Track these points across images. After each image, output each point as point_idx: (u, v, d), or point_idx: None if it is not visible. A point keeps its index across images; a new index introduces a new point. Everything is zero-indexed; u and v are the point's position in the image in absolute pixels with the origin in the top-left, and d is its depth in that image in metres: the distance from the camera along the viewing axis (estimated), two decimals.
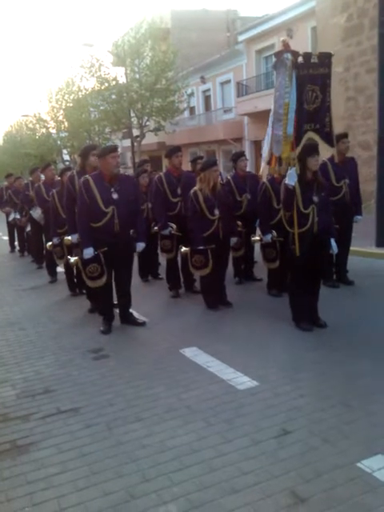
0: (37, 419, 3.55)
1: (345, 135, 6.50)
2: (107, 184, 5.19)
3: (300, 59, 4.82)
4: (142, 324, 5.53)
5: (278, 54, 4.79)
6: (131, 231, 5.44)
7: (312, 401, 3.55)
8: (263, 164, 5.20)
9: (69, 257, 5.97)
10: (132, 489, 2.70)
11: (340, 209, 6.18)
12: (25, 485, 2.80)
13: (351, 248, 7.01)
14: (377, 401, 3.49)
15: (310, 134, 4.91)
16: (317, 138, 4.95)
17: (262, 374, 4.03)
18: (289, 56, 4.68)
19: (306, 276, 5.05)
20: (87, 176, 5.25)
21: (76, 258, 5.57)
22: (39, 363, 4.63)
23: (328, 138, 5.06)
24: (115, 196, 5.18)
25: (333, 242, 5.09)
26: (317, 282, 5.21)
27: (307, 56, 4.90)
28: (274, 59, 4.99)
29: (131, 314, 5.67)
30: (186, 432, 3.23)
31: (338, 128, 5.15)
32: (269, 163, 5.13)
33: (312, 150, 4.84)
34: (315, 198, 4.92)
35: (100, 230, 5.19)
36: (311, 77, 4.84)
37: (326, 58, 4.96)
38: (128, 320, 5.61)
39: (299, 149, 4.80)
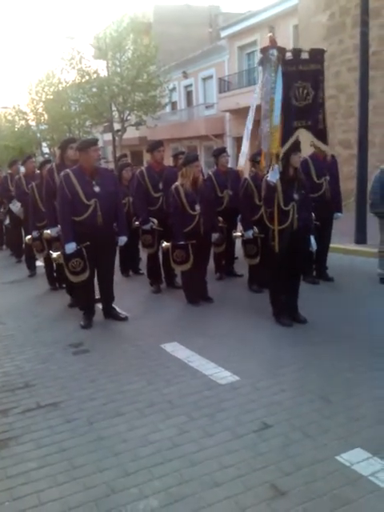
0: (16, 414, 3.52)
1: None
2: (88, 177, 5.15)
3: (288, 55, 4.81)
4: (125, 319, 5.51)
5: (264, 50, 4.75)
6: (114, 225, 5.40)
7: (292, 395, 3.58)
8: (242, 159, 5.18)
9: (51, 252, 5.90)
10: (113, 483, 2.69)
11: (320, 206, 6.23)
12: (4, 479, 2.77)
13: (331, 245, 7.08)
14: (356, 395, 3.54)
15: (301, 132, 4.90)
16: (307, 134, 4.94)
17: (243, 369, 4.05)
18: (274, 52, 4.64)
19: (285, 272, 5.09)
20: (67, 170, 5.19)
21: (58, 253, 5.50)
22: (19, 358, 4.58)
23: (322, 135, 5.06)
24: (97, 189, 5.14)
25: (312, 239, 5.14)
26: (296, 279, 5.26)
27: (297, 52, 4.89)
28: (259, 55, 4.95)
29: (114, 308, 5.64)
30: (168, 426, 3.24)
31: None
32: (258, 162, 5.12)
33: (295, 147, 4.87)
34: (296, 196, 4.95)
35: (83, 223, 5.15)
36: (301, 73, 4.81)
37: (318, 54, 4.95)
38: (111, 315, 5.58)
39: (287, 146, 4.79)
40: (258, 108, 4.99)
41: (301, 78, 4.83)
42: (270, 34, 4.96)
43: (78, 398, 3.70)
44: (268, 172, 4.85)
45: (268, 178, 4.87)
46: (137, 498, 2.56)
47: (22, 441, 3.16)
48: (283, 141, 4.78)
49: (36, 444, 3.11)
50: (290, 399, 3.52)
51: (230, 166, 7.37)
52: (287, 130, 4.80)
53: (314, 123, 4.96)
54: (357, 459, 2.78)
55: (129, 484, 2.68)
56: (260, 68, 4.92)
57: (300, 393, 3.61)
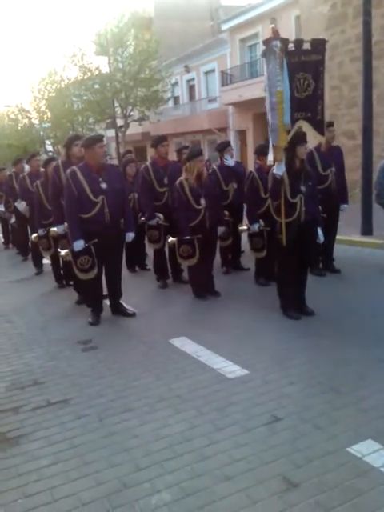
0: (27, 411, 3.53)
1: (331, 124, 6.51)
2: (95, 174, 5.14)
3: (290, 46, 4.76)
4: (132, 315, 5.52)
5: (267, 42, 4.70)
6: (121, 221, 5.40)
7: (302, 388, 3.58)
8: (270, 154, 5.08)
9: (59, 250, 5.90)
10: (125, 478, 2.70)
11: (326, 197, 6.21)
12: (16, 477, 2.78)
13: (337, 236, 7.05)
14: (365, 386, 3.53)
15: (301, 123, 4.87)
16: (308, 126, 4.91)
17: (252, 363, 4.05)
18: (278, 43, 4.59)
19: (293, 265, 5.08)
20: (74, 167, 5.19)
21: (66, 250, 5.50)
22: (28, 355, 4.60)
23: (319, 126, 5.02)
24: (104, 186, 5.13)
25: (319, 230, 5.11)
26: (304, 271, 5.24)
27: (298, 43, 4.85)
28: (262, 47, 4.90)
29: (121, 304, 5.65)
30: (177, 421, 3.24)
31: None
32: (266, 154, 5.05)
33: (300, 138, 4.84)
34: (303, 188, 4.93)
35: (90, 220, 5.14)
36: (303, 64, 4.77)
37: (319, 45, 4.90)
38: (119, 311, 5.59)
39: (289, 137, 4.76)
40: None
41: (302, 70, 4.79)
42: (273, 26, 4.91)
43: (87, 395, 3.71)
44: (274, 165, 4.82)
45: (274, 171, 4.84)
46: (149, 493, 2.57)
47: (33, 438, 3.17)
48: (287, 134, 4.75)
49: (47, 441, 3.12)
50: (300, 392, 3.52)
51: (234, 159, 7.34)
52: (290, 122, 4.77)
53: (313, 114, 4.93)
54: (368, 451, 2.77)
55: (141, 479, 2.68)
56: (264, 59, 4.87)
57: (309, 385, 3.61)
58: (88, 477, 2.74)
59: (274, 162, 4.80)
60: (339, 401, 3.36)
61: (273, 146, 4.77)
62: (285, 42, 4.68)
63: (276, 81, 4.60)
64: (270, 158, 4.89)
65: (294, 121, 4.81)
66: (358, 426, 3.03)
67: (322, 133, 5.09)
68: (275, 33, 4.67)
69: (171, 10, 28.44)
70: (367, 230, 8.79)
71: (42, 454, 2.99)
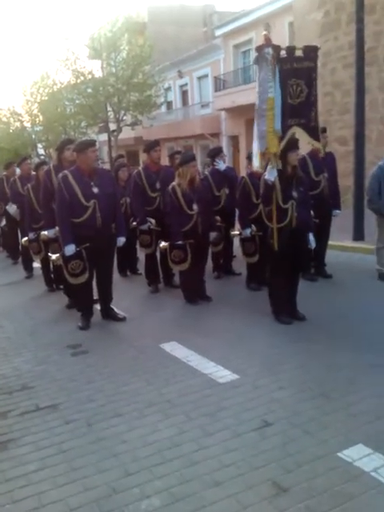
0: (15, 416, 3.50)
1: (324, 130, 6.53)
2: (87, 178, 5.12)
3: (283, 53, 4.79)
4: (123, 319, 5.50)
5: (259, 49, 4.73)
6: (112, 226, 5.38)
7: (292, 393, 3.57)
8: (255, 159, 5.12)
9: (50, 254, 5.86)
10: (113, 483, 2.67)
11: (319, 203, 6.23)
12: (4, 482, 2.75)
13: (329, 241, 7.07)
14: (355, 392, 3.53)
15: (295, 129, 4.89)
16: (301, 132, 4.93)
17: (242, 368, 4.04)
18: (270, 50, 4.62)
19: (284, 270, 5.08)
20: (66, 171, 5.16)
21: (57, 255, 5.46)
22: (17, 360, 4.56)
23: (314, 133, 5.04)
24: (96, 190, 5.11)
25: (310, 236, 5.13)
26: (296, 276, 5.25)
27: (290, 50, 4.87)
28: (254, 54, 4.93)
29: (112, 308, 5.62)
30: (167, 426, 3.22)
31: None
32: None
33: (292, 144, 4.85)
34: (294, 193, 4.94)
35: (82, 225, 5.11)
36: (295, 71, 4.79)
37: (311, 52, 4.93)
38: (109, 315, 5.56)
39: (283, 144, 4.78)
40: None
41: (295, 76, 4.81)
42: (265, 33, 4.94)
43: (76, 400, 3.68)
44: (266, 170, 4.84)
45: (266, 177, 4.86)
46: (138, 498, 2.55)
47: (21, 443, 3.14)
48: (280, 139, 4.77)
49: (35, 446, 3.09)
50: (290, 397, 3.51)
51: (227, 164, 7.36)
52: (282, 129, 4.79)
53: (306, 121, 4.95)
54: (358, 455, 2.77)
55: (130, 484, 2.66)
56: (256, 66, 4.90)
57: (300, 390, 3.60)
58: (76, 482, 2.71)
59: (260, 168, 4.84)
60: (329, 406, 3.35)
61: (260, 152, 4.80)
62: (277, 48, 4.70)
63: (267, 87, 4.63)
64: (256, 164, 4.92)
65: (287, 127, 4.83)
66: (348, 431, 3.02)
67: (317, 139, 5.11)
68: (267, 40, 4.70)
69: (165, 15, 28.54)
70: (359, 235, 8.83)
71: (30, 459, 2.95)
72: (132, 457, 2.91)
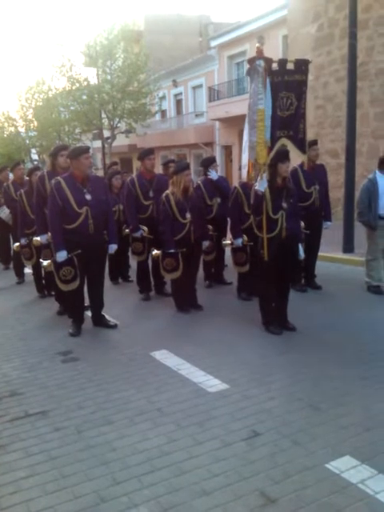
0: (4, 422, 3.49)
1: (315, 142, 6.63)
2: (80, 185, 5.14)
3: (274, 66, 4.87)
4: (114, 326, 5.50)
5: (251, 61, 4.81)
6: (104, 233, 5.40)
7: (281, 403, 3.59)
8: (244, 170, 5.21)
9: (41, 260, 5.86)
10: (102, 492, 2.68)
11: (310, 214, 6.30)
12: None
13: (319, 253, 7.13)
14: (345, 403, 3.56)
15: (283, 141, 4.96)
16: (290, 144, 5.00)
17: (232, 377, 4.06)
18: (261, 63, 4.71)
19: (274, 280, 5.12)
20: (59, 178, 5.18)
21: (49, 261, 5.47)
22: (6, 366, 4.54)
23: (301, 145, 5.12)
24: (88, 197, 5.13)
25: (300, 247, 5.17)
26: (286, 286, 5.28)
27: (282, 62, 4.95)
28: (246, 66, 5.01)
29: (103, 316, 5.63)
30: (157, 435, 3.23)
31: (307, 135, 5.24)
32: (248, 171, 5.17)
33: (283, 156, 4.91)
34: (284, 204, 5.00)
35: (74, 231, 5.13)
36: (286, 83, 4.88)
37: (302, 65, 5.01)
38: (100, 322, 5.56)
39: (271, 155, 4.86)
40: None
41: (286, 89, 4.89)
42: (258, 45, 5.01)
43: (66, 407, 3.68)
44: (256, 181, 4.90)
45: (256, 188, 4.91)
46: (127, 507, 2.55)
47: (10, 449, 3.13)
48: (269, 150, 4.84)
49: (25, 453, 3.08)
50: (280, 407, 3.53)
51: (219, 173, 7.40)
52: (271, 140, 4.86)
53: (294, 133, 5.03)
54: (346, 467, 2.79)
55: (118, 493, 2.66)
56: (248, 78, 4.98)
57: (289, 401, 3.63)
58: (65, 490, 2.71)
59: (250, 179, 4.93)
60: (319, 417, 3.38)
61: (251, 162, 4.87)
62: (268, 61, 4.79)
63: (258, 99, 4.71)
64: (244, 174, 5.00)
65: (276, 139, 4.91)
66: (336, 443, 3.05)
67: (303, 151, 5.18)
68: (259, 52, 4.78)
69: (161, 24, 28.74)
70: (349, 247, 8.91)
71: (19, 465, 2.95)
72: (121, 465, 2.91)
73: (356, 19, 8.76)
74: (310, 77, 5.13)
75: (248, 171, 5.09)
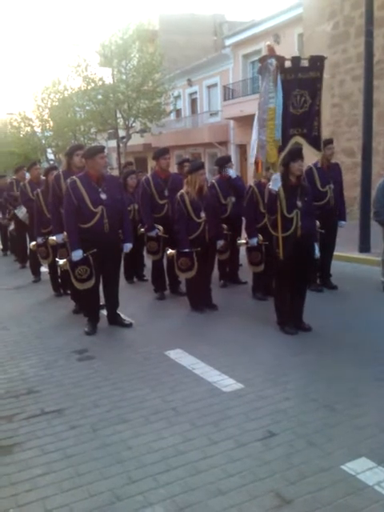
0: (21, 420, 3.52)
1: (330, 141, 6.57)
2: (95, 184, 5.17)
3: (288, 63, 4.83)
4: (129, 325, 5.52)
5: (263, 60, 4.77)
6: (119, 232, 5.42)
7: (297, 404, 3.58)
8: (253, 168, 5.22)
9: (57, 259, 5.91)
10: (118, 490, 2.69)
11: (325, 214, 6.26)
12: (9, 486, 2.77)
13: (335, 253, 7.08)
14: (361, 404, 3.53)
15: (297, 139, 4.92)
16: (304, 142, 4.96)
17: (247, 377, 4.05)
18: (273, 61, 4.66)
19: (290, 279, 5.10)
20: (74, 177, 5.22)
21: (64, 260, 5.51)
22: (23, 364, 4.59)
23: (316, 143, 5.06)
24: (103, 196, 5.16)
25: (315, 246, 5.14)
26: (302, 286, 5.25)
27: (296, 60, 4.91)
28: (258, 65, 4.98)
29: (119, 315, 5.65)
30: (172, 434, 3.24)
31: (323, 134, 5.18)
32: (255, 169, 5.16)
33: (296, 154, 4.87)
34: (299, 203, 4.97)
35: (89, 231, 5.16)
36: (300, 81, 4.82)
37: (317, 62, 4.95)
38: (116, 321, 5.59)
39: (284, 153, 4.82)
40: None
41: (299, 86, 4.83)
42: (269, 43, 4.98)
43: (82, 405, 3.71)
44: (266, 180, 4.89)
45: (270, 186, 4.90)
46: (142, 506, 2.56)
47: (26, 447, 3.16)
48: (281, 149, 4.80)
49: (41, 450, 3.11)
50: (295, 407, 3.52)
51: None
52: (284, 138, 4.82)
53: (308, 131, 4.97)
54: (362, 468, 2.77)
55: (134, 491, 2.68)
56: (260, 77, 4.95)
57: (304, 401, 3.61)
58: (81, 488, 2.73)
59: (259, 177, 4.94)
60: (334, 418, 3.36)
61: (260, 161, 4.87)
62: (280, 59, 4.74)
63: (268, 98, 4.67)
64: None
65: (288, 137, 4.86)
66: (352, 444, 3.03)
67: (318, 149, 5.12)
68: (271, 50, 4.74)
69: (176, 23, 28.77)
70: (365, 247, 8.83)
71: (35, 463, 2.98)
72: (137, 463, 2.92)
73: (372, 17, 8.68)
74: (326, 75, 5.07)
75: (255, 170, 5.08)
